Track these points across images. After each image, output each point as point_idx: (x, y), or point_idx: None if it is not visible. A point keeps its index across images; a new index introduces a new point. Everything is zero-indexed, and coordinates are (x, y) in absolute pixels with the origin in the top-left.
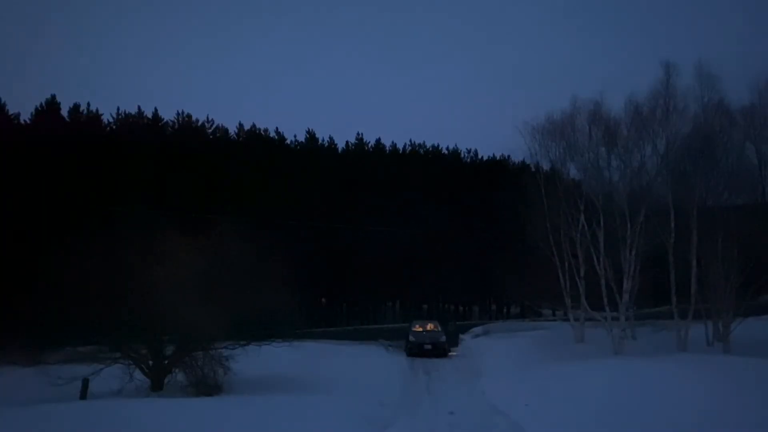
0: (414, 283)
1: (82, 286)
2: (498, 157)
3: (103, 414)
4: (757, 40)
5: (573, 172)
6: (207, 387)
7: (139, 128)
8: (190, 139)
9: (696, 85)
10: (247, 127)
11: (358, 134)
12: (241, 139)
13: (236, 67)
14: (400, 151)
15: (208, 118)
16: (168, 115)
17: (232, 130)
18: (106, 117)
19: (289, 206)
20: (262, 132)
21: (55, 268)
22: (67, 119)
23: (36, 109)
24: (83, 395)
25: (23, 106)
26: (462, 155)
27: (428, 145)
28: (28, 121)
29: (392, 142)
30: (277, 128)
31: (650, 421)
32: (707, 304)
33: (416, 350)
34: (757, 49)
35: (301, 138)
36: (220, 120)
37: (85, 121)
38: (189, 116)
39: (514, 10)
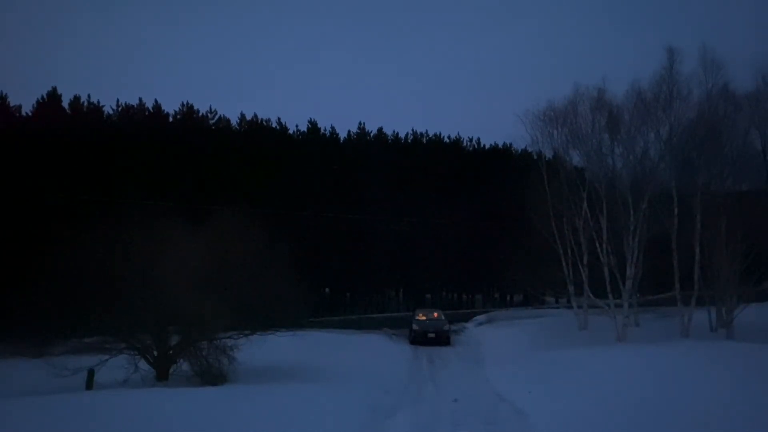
0: (417, 272)
1: (85, 277)
2: (500, 146)
3: (109, 404)
4: (763, 25)
5: (576, 159)
6: (212, 377)
7: (141, 120)
8: (192, 130)
9: (700, 71)
10: (249, 117)
11: (360, 124)
12: (243, 129)
13: (238, 58)
14: (402, 141)
15: (210, 108)
16: (170, 106)
17: (234, 120)
18: (107, 109)
19: (291, 196)
20: (264, 122)
21: (59, 260)
22: (68, 111)
23: (37, 101)
24: (89, 386)
25: (25, 99)
26: (464, 144)
27: (430, 134)
28: (30, 114)
29: (394, 132)
30: (279, 118)
31: (654, 406)
32: (710, 291)
33: (420, 339)
34: (763, 34)
35: (303, 128)
36: (222, 111)
37: (86, 112)
38: (191, 107)
39: None
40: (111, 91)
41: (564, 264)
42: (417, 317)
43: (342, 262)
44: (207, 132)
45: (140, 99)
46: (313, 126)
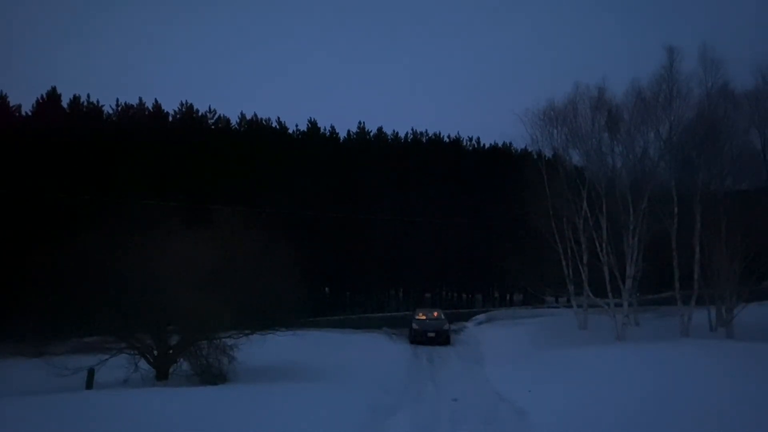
0: (417, 272)
1: (85, 276)
2: (500, 145)
3: (109, 404)
4: (763, 25)
5: (576, 158)
6: (212, 376)
7: (141, 120)
8: (192, 130)
9: (700, 70)
10: (249, 117)
11: (359, 123)
12: (243, 129)
13: (238, 58)
14: (402, 140)
15: (210, 108)
16: (170, 106)
17: (234, 120)
18: (107, 109)
19: (291, 195)
20: (263, 122)
21: (59, 259)
22: (67, 111)
23: (37, 100)
24: (89, 385)
25: (24, 98)
26: (464, 143)
27: (430, 133)
28: (30, 113)
29: (394, 131)
30: (278, 118)
31: (653, 406)
32: (710, 290)
33: (420, 338)
34: (763, 34)
35: (303, 127)
36: (222, 111)
37: (86, 112)
38: (191, 107)
39: None
40: (111, 91)
41: (564, 263)
42: (417, 316)
43: (342, 262)
44: (207, 132)
45: (140, 99)
46: (312, 126)
